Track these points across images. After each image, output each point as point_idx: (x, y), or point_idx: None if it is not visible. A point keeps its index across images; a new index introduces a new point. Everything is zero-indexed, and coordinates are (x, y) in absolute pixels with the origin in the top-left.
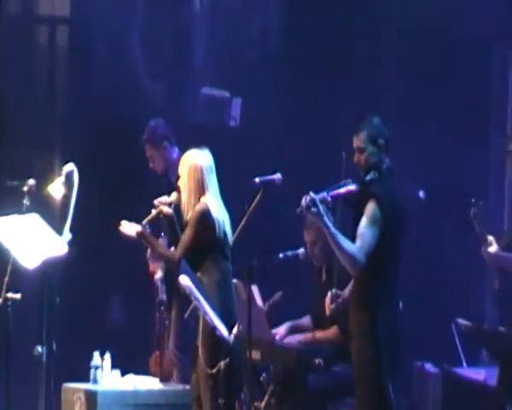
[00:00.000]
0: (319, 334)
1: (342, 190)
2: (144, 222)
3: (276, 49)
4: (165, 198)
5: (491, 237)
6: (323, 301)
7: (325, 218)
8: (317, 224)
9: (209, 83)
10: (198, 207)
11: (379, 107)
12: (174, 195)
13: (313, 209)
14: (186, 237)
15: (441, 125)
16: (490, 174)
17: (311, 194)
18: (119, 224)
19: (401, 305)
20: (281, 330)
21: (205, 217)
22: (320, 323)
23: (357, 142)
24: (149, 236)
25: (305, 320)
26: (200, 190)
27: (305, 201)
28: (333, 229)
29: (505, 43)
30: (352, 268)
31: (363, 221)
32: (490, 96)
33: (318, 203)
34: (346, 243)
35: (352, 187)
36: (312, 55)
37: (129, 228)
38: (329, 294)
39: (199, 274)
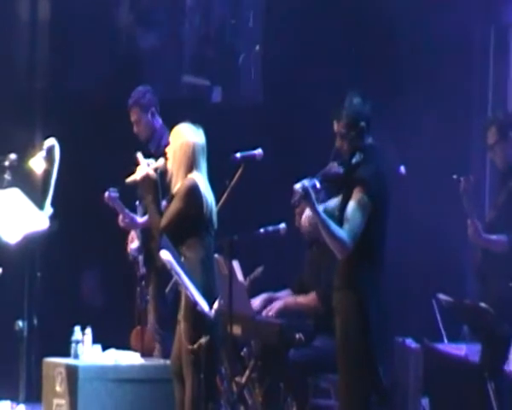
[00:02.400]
0: (300, 298)
1: (330, 173)
2: (127, 181)
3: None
4: (151, 161)
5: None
6: (310, 273)
7: (317, 206)
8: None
9: (197, 61)
10: (187, 183)
11: (364, 81)
12: (161, 160)
13: (307, 199)
14: (173, 209)
15: (425, 103)
16: (471, 152)
17: (305, 183)
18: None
19: None
20: (256, 302)
21: (194, 193)
22: (303, 290)
23: (339, 127)
24: (152, 183)
25: (283, 294)
26: (190, 166)
27: (298, 191)
28: (323, 215)
29: (487, 23)
30: (340, 253)
31: (351, 206)
32: (472, 75)
33: (311, 192)
34: (335, 228)
35: (338, 171)
36: (295, 29)
37: (143, 169)
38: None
39: (183, 249)
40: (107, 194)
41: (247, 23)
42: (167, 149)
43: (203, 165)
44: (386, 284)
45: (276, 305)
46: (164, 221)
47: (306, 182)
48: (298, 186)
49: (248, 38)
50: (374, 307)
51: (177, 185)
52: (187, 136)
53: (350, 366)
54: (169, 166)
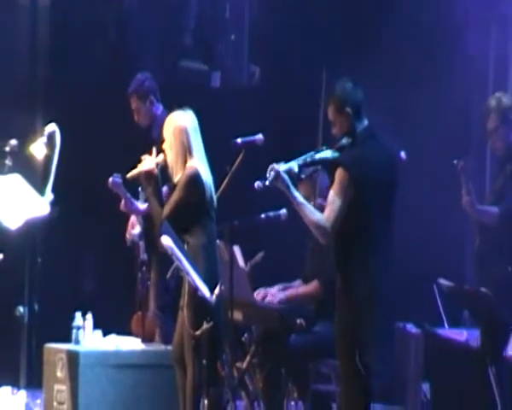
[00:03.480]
0: (301, 289)
1: (316, 157)
2: (128, 176)
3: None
4: (152, 158)
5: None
6: (312, 261)
7: (291, 189)
8: (313, 179)
9: (194, 48)
10: (188, 171)
11: (365, 66)
12: (161, 156)
13: (278, 183)
14: (175, 198)
15: (424, 88)
16: (472, 138)
17: (275, 166)
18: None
19: None
20: (273, 290)
21: (195, 181)
22: (308, 280)
23: (329, 115)
24: (154, 177)
25: (296, 284)
26: (187, 151)
27: (268, 175)
28: (299, 199)
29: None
30: (320, 237)
31: (332, 190)
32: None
33: (283, 175)
34: (312, 213)
35: (325, 154)
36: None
37: (148, 163)
38: None
39: (186, 236)
40: (110, 179)
41: (223, 14)
42: (164, 146)
43: (199, 145)
44: (385, 269)
45: (277, 298)
46: (166, 210)
47: (282, 166)
48: (269, 169)
49: (224, 28)
50: (361, 291)
51: (179, 174)
52: (177, 122)
53: (342, 350)
54: (168, 159)
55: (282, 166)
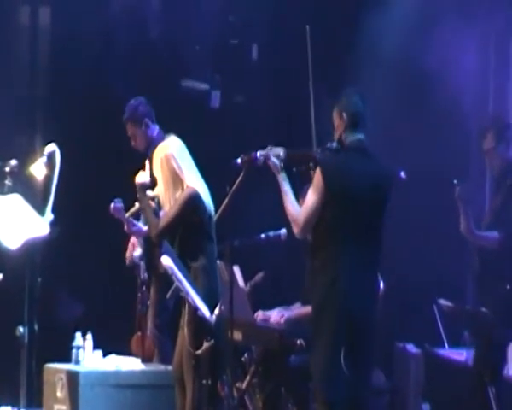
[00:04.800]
0: (302, 310)
1: (300, 151)
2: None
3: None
4: (148, 192)
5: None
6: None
7: (282, 174)
8: None
9: (193, 67)
10: (188, 190)
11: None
12: (157, 189)
13: (270, 162)
14: (172, 212)
15: (424, 110)
16: (471, 156)
17: (267, 149)
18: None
19: (382, 285)
20: (273, 314)
21: (195, 200)
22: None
23: (333, 117)
24: (144, 193)
25: (295, 307)
26: (178, 175)
27: (260, 152)
28: (285, 187)
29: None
30: (294, 229)
31: (310, 188)
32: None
33: (272, 157)
34: (292, 204)
35: (310, 152)
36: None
37: (143, 176)
38: None
39: (186, 257)
40: (112, 205)
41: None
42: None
43: (191, 167)
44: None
45: (284, 317)
46: (163, 222)
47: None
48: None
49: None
50: (318, 291)
51: (167, 200)
52: (162, 152)
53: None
54: (159, 191)
55: (275, 149)
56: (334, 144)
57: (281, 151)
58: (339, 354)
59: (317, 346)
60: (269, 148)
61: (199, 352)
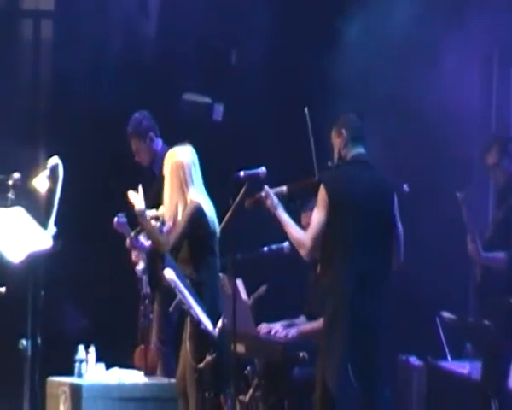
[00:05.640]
0: (314, 324)
1: (301, 182)
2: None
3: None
4: (152, 212)
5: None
6: (315, 294)
7: (279, 209)
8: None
9: (194, 80)
10: (192, 205)
11: (367, 102)
12: (161, 209)
13: (268, 201)
14: (180, 229)
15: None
16: (473, 170)
17: (266, 187)
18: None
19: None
20: (277, 327)
21: (199, 215)
22: (312, 316)
23: (331, 138)
24: (145, 217)
25: (299, 321)
26: (183, 186)
27: (259, 195)
28: (285, 220)
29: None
30: (302, 253)
31: (315, 208)
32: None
33: (272, 195)
34: (296, 231)
35: (310, 181)
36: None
37: (135, 198)
38: None
39: (189, 271)
40: (115, 220)
41: None
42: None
43: (197, 180)
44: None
45: (290, 334)
46: (172, 239)
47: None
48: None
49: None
50: (328, 309)
51: (170, 204)
52: (174, 158)
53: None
54: (164, 195)
55: (273, 190)
56: (335, 162)
57: (283, 188)
58: (351, 368)
59: (330, 361)
60: (263, 192)
61: (201, 365)
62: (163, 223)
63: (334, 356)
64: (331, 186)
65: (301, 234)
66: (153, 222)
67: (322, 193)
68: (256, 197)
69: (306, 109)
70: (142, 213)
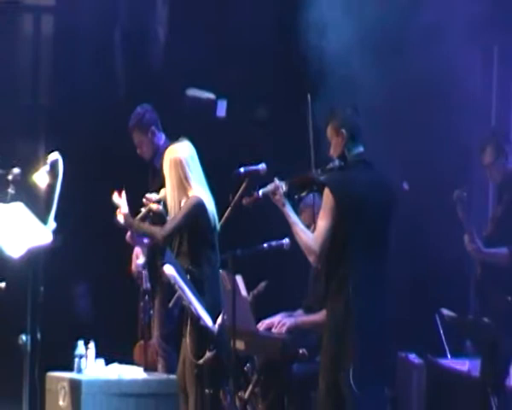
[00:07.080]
0: (311, 316)
1: (300, 177)
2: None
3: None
4: (153, 195)
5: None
6: (315, 288)
7: (287, 206)
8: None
9: (192, 78)
10: (192, 199)
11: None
12: (163, 191)
13: (276, 197)
14: (176, 220)
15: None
16: (472, 168)
17: (276, 181)
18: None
19: None
20: (278, 318)
21: (199, 209)
22: (311, 310)
23: (327, 134)
24: (131, 219)
25: (297, 313)
26: (184, 182)
27: (270, 187)
28: (293, 218)
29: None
30: (309, 257)
31: (321, 211)
32: (474, 90)
33: (281, 191)
34: (304, 232)
35: (310, 175)
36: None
37: (119, 202)
38: None
39: (189, 266)
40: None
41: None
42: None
43: (197, 174)
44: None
45: (287, 323)
46: (166, 228)
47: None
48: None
49: None
50: (337, 313)
51: (173, 203)
52: (173, 154)
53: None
54: (166, 192)
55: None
56: (337, 162)
57: (283, 185)
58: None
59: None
60: (272, 185)
61: (201, 361)
62: (165, 205)
63: (347, 360)
64: (337, 190)
65: (310, 239)
66: (155, 206)
67: (328, 198)
68: (254, 196)
69: (309, 96)
70: (127, 217)
